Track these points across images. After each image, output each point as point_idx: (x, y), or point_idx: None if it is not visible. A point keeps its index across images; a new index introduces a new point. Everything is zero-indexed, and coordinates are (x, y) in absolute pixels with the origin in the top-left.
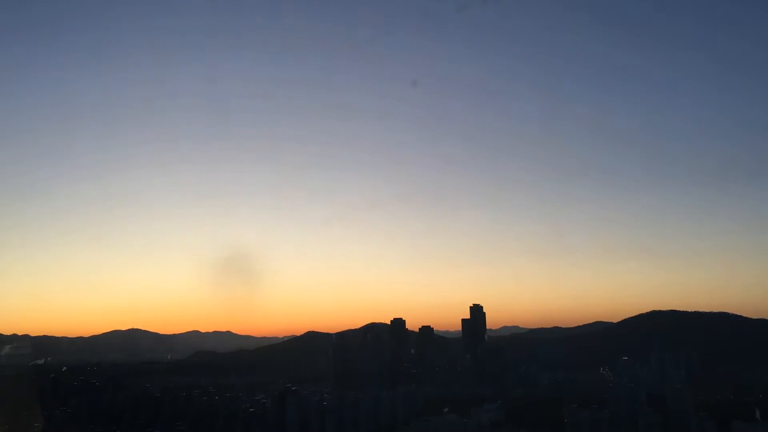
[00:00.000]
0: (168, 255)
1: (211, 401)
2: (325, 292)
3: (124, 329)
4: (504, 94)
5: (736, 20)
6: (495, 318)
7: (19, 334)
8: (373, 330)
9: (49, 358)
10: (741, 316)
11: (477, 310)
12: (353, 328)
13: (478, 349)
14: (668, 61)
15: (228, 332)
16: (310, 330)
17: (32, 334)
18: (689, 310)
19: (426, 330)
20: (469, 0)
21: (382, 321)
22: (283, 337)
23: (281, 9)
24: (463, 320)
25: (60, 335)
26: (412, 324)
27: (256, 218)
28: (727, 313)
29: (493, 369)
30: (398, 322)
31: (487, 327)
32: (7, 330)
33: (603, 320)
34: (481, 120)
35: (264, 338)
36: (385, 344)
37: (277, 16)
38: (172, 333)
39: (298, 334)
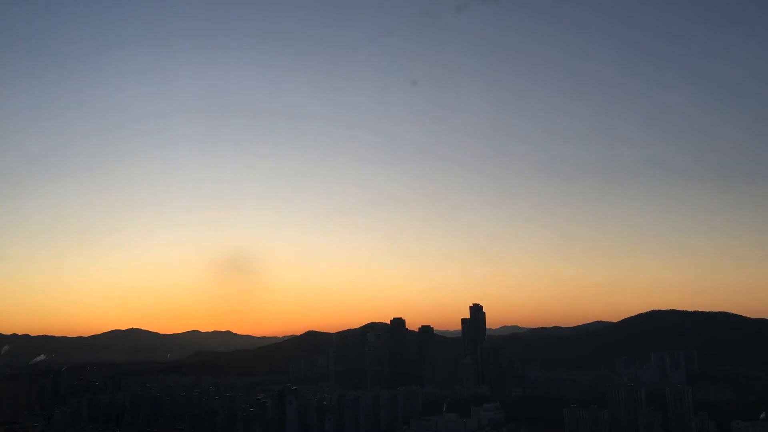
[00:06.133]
0: (168, 255)
1: (211, 401)
2: (325, 292)
3: (124, 329)
4: (504, 94)
5: (737, 21)
6: (495, 318)
7: (19, 334)
8: (373, 330)
9: (43, 356)
10: (741, 316)
11: (477, 310)
12: (353, 328)
13: (478, 349)
14: (668, 61)
15: (228, 332)
16: (310, 330)
17: (32, 334)
18: (689, 310)
19: (426, 330)
20: (469, 0)
21: (382, 321)
22: (283, 337)
23: (281, 9)
24: (463, 320)
25: (60, 335)
26: (412, 324)
27: (256, 218)
28: (727, 313)
29: (493, 369)
30: (398, 322)
31: (487, 327)
32: (7, 330)
33: (603, 320)
34: (481, 119)
35: (264, 338)
36: (385, 344)
37: (276, 16)
38: (172, 333)
39: (298, 334)
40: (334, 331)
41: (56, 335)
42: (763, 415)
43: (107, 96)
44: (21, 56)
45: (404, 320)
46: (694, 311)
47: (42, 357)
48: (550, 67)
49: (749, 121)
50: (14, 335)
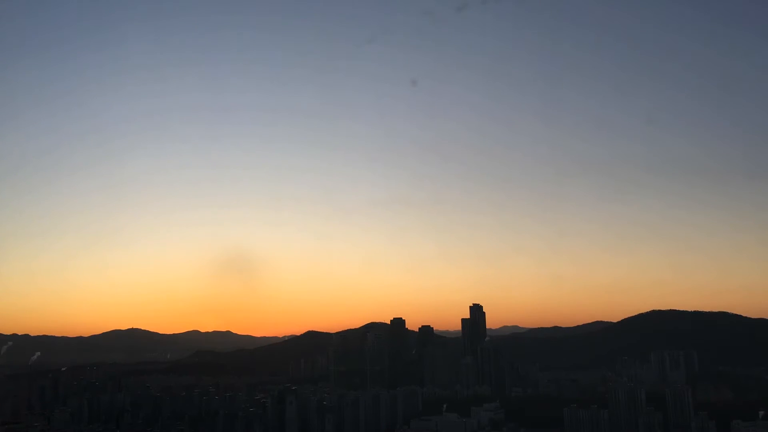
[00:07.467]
0: (168, 255)
1: (211, 401)
2: (325, 292)
3: (124, 329)
4: (503, 94)
5: (736, 20)
6: (495, 318)
7: (19, 334)
8: (373, 330)
9: (38, 354)
10: (741, 316)
11: (477, 310)
12: (353, 328)
13: (478, 349)
14: (673, 55)
15: (228, 332)
16: (310, 330)
17: (32, 334)
18: (689, 310)
19: (426, 330)
20: (469, 0)
21: (382, 321)
22: (283, 337)
23: (281, 7)
24: (463, 320)
25: (60, 335)
26: (412, 324)
27: (256, 218)
28: (727, 313)
29: (493, 369)
30: (398, 322)
31: (487, 327)
32: (7, 330)
33: (603, 320)
34: (481, 120)
35: (264, 338)
36: (385, 344)
37: (276, 14)
38: (172, 333)
39: (298, 334)
40: (334, 331)
41: (56, 335)
42: (762, 414)
43: (106, 94)
44: (19, 53)
45: (404, 320)
46: (694, 311)
47: (37, 355)
48: (551, 65)
49: (752, 118)
50: (14, 335)
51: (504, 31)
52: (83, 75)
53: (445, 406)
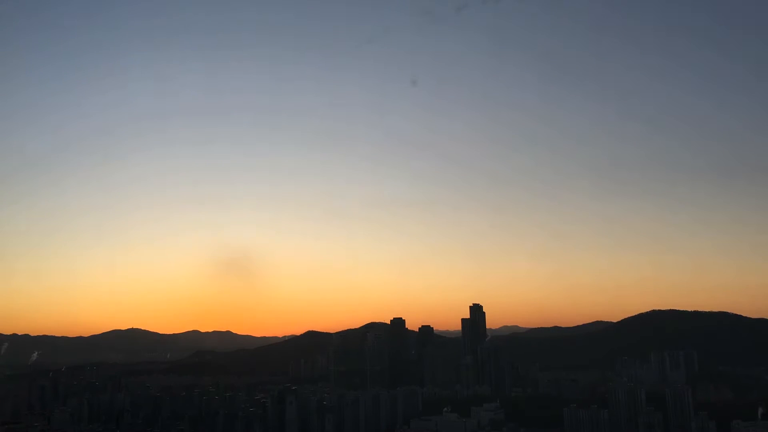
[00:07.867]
0: (168, 255)
1: (211, 401)
2: (325, 292)
3: (124, 329)
4: (503, 94)
5: (736, 21)
6: (495, 318)
7: (19, 333)
8: (373, 330)
9: (37, 354)
10: (741, 316)
11: (477, 310)
12: (353, 328)
13: (478, 349)
14: (668, 56)
15: (228, 332)
16: (310, 330)
17: (32, 334)
18: (689, 310)
19: (426, 330)
20: (469, 0)
21: (382, 321)
22: (283, 337)
23: (280, 8)
24: (463, 320)
25: (60, 335)
26: (412, 324)
27: (255, 218)
28: (727, 313)
29: (493, 369)
30: (398, 322)
31: (487, 327)
32: (7, 330)
33: (603, 320)
34: (481, 119)
35: (264, 338)
36: (385, 344)
37: (276, 15)
38: (172, 333)
39: (298, 334)
40: (334, 331)
41: (56, 335)
42: (761, 414)
43: (105, 95)
44: (19, 53)
45: (404, 320)
46: (694, 311)
47: (36, 355)
48: (551, 66)
49: (751, 117)
50: (14, 335)
51: (503, 31)
52: (82, 74)
53: (445, 408)
